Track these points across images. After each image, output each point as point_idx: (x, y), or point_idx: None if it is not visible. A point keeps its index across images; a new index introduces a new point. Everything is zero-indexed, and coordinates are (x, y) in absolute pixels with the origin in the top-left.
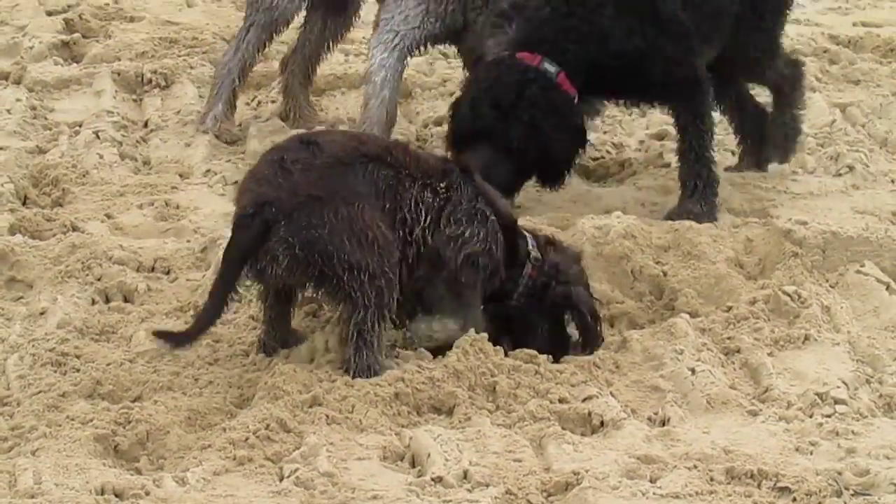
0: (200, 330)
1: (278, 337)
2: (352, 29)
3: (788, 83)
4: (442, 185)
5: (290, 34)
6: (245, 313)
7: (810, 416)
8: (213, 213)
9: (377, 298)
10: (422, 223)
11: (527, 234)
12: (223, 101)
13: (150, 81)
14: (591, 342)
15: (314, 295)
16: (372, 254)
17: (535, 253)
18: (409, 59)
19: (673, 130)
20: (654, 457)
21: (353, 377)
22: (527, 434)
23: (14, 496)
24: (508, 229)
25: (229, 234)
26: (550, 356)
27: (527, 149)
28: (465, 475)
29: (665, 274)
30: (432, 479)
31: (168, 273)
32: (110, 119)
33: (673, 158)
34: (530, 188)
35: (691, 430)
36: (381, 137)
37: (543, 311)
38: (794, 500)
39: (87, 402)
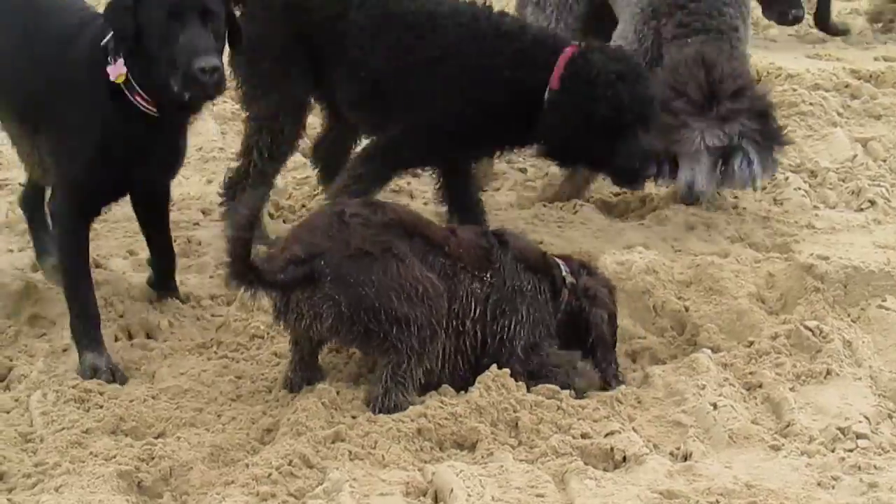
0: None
1: (304, 376)
2: None
3: None
4: (487, 274)
5: None
6: (268, 350)
7: (832, 451)
8: None
9: (420, 347)
10: (472, 315)
11: (559, 261)
12: None
13: None
14: (600, 369)
15: (356, 349)
16: (421, 306)
17: (570, 278)
18: None
19: None
20: (676, 492)
21: (377, 413)
22: (549, 469)
23: None
24: (544, 266)
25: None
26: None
27: None
28: None
29: (687, 309)
30: None
31: (191, 309)
32: None
33: None
34: (552, 223)
35: (713, 465)
36: (440, 227)
37: (579, 334)
38: None
39: (110, 439)
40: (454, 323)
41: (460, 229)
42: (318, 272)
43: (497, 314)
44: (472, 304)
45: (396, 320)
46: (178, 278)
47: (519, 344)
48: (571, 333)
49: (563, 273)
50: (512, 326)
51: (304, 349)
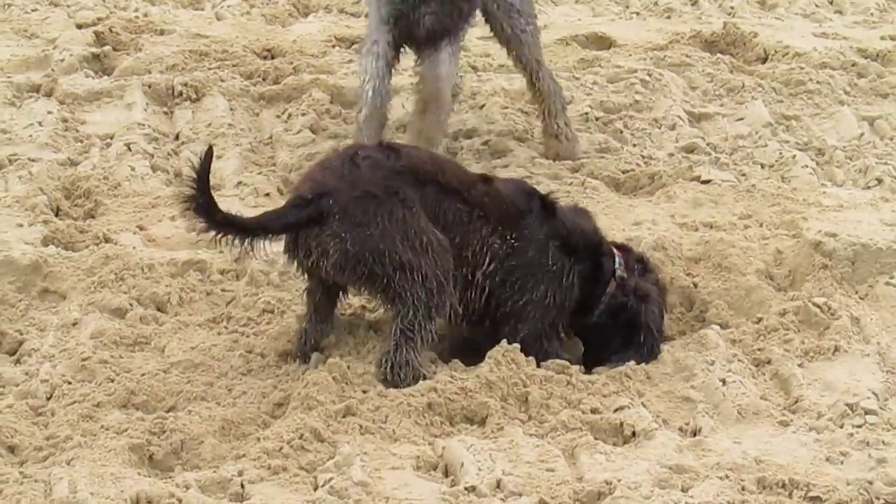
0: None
1: (318, 328)
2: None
3: None
4: (512, 234)
5: None
6: (278, 324)
7: (841, 427)
8: None
9: (427, 299)
10: (484, 268)
11: (616, 252)
12: None
13: (180, 94)
14: (645, 357)
15: (364, 294)
16: (425, 256)
17: (620, 272)
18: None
19: (703, 144)
20: (685, 467)
21: (389, 371)
22: (559, 444)
23: None
24: (592, 251)
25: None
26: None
27: None
28: (499, 484)
29: (696, 285)
30: (465, 489)
31: (201, 284)
32: (141, 131)
33: (703, 171)
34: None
35: (723, 441)
36: (467, 171)
37: (619, 328)
38: None
39: (121, 412)
40: (463, 270)
41: (503, 181)
42: (326, 210)
43: (512, 280)
44: (487, 257)
45: (400, 265)
46: (188, 253)
47: (524, 326)
48: (612, 327)
49: (616, 266)
50: (522, 301)
51: (317, 297)
